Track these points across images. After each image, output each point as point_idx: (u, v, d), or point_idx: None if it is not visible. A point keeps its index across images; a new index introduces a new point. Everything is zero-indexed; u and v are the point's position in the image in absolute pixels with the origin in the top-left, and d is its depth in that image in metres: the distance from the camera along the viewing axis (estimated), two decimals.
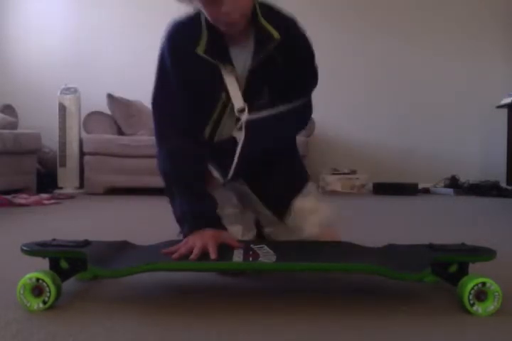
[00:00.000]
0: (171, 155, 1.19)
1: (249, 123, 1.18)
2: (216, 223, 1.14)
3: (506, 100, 4.22)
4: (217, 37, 1.15)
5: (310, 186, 1.31)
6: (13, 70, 4.62)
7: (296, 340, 0.81)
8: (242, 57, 1.18)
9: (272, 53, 1.17)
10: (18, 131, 3.77)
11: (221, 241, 1.07)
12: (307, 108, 1.30)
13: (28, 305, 0.92)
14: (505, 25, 4.61)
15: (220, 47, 1.16)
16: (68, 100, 4.01)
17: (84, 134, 3.99)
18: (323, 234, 1.22)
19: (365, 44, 4.61)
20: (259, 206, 1.27)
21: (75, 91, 4.04)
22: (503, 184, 4.14)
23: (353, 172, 4.38)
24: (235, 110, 1.19)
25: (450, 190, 4.12)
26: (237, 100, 1.19)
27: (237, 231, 1.22)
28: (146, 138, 3.86)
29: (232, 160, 1.19)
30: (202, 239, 1.04)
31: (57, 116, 3.99)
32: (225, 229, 1.14)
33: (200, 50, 1.14)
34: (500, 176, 4.26)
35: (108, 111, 4.09)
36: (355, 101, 4.61)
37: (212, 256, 0.99)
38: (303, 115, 1.32)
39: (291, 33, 1.19)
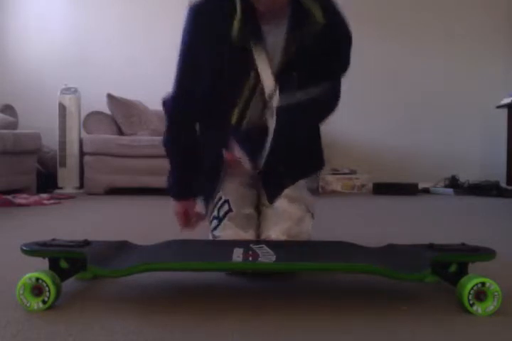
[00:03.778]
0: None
1: (280, 110, 1.16)
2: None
3: (506, 100, 4.23)
4: (251, 14, 1.09)
5: (304, 191, 1.29)
6: (13, 70, 4.61)
7: (296, 340, 0.81)
8: (273, 36, 1.13)
9: (307, 37, 1.12)
10: (18, 131, 3.76)
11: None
12: (335, 94, 1.26)
13: (28, 304, 0.92)
14: (506, 25, 4.61)
15: (254, 26, 1.11)
16: (68, 100, 4.00)
17: (84, 134, 3.99)
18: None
19: (365, 45, 4.60)
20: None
21: (75, 91, 4.04)
22: (503, 184, 4.14)
23: (353, 172, 4.39)
24: (266, 95, 1.16)
25: (450, 190, 4.12)
26: (268, 81, 1.15)
27: (250, 236, 1.24)
28: (146, 138, 3.86)
29: (263, 149, 1.17)
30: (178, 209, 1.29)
31: (57, 116, 3.99)
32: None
33: (234, 31, 1.09)
34: (500, 176, 4.26)
35: (108, 111, 4.08)
36: (355, 102, 4.60)
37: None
38: (331, 101, 1.27)
39: (331, 18, 1.15)
